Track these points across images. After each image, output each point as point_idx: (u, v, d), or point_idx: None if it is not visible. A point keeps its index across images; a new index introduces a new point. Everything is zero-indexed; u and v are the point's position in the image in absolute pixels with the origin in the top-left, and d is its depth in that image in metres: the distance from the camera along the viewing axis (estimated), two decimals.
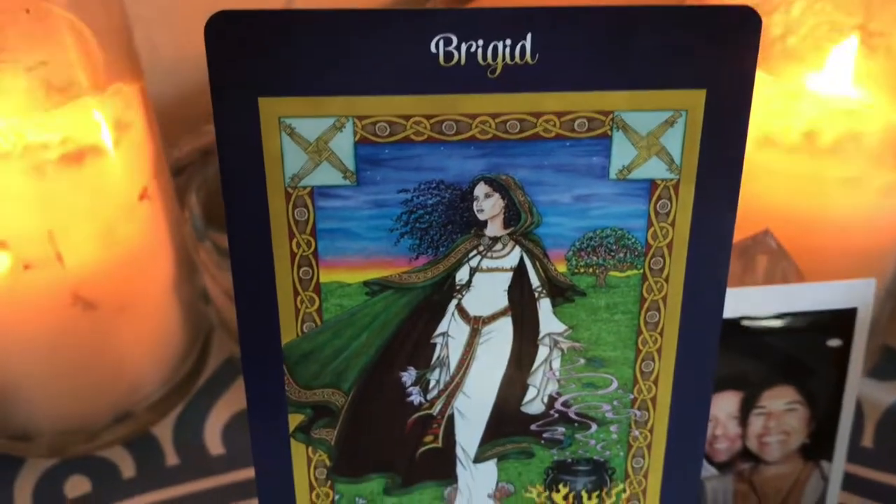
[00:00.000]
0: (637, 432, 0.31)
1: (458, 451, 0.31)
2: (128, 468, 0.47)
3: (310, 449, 0.31)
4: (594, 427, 0.31)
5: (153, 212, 0.44)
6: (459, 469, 0.31)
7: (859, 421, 0.48)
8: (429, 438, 0.31)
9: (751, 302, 0.37)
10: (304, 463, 0.31)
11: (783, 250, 0.38)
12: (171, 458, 0.47)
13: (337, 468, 0.31)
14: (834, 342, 0.38)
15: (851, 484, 0.45)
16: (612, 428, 0.31)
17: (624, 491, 0.32)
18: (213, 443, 0.48)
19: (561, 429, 0.31)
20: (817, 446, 0.41)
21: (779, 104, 0.40)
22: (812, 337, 0.38)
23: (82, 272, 0.42)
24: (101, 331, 0.44)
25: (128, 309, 0.44)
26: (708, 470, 0.41)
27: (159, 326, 0.47)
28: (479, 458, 0.31)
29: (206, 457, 0.47)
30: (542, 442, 0.31)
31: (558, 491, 0.32)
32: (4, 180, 0.38)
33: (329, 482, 0.31)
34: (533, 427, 0.31)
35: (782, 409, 0.40)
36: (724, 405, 0.39)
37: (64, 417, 0.46)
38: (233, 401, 0.50)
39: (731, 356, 0.38)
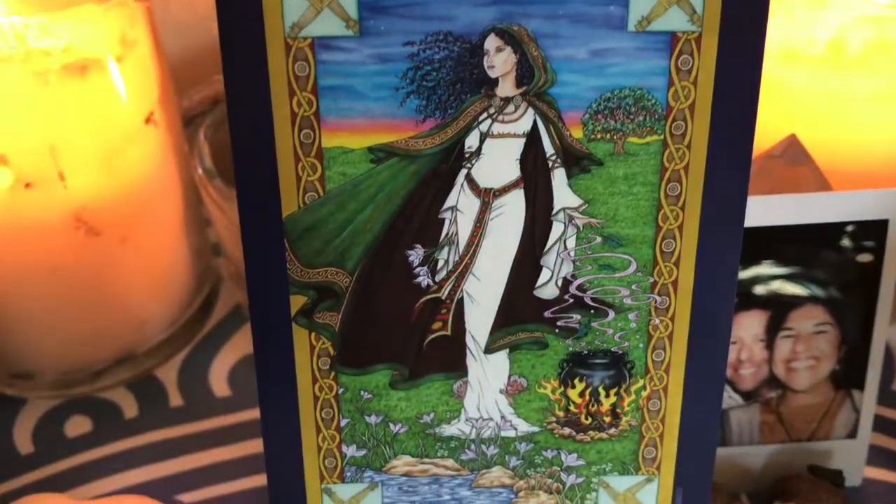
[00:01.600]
0: (657, 321, 0.29)
1: (468, 340, 0.30)
2: (130, 408, 0.45)
3: (313, 335, 0.29)
4: (611, 314, 0.29)
5: (160, 139, 0.43)
6: (470, 360, 0.30)
7: (890, 366, 0.46)
8: (437, 325, 0.29)
9: (775, 212, 0.35)
10: (307, 350, 0.29)
11: (809, 157, 0.36)
12: (175, 400, 0.46)
13: (341, 357, 0.30)
14: (864, 257, 0.36)
15: (884, 426, 0.43)
16: (631, 316, 0.29)
17: (644, 388, 0.30)
18: (219, 386, 0.46)
19: (576, 316, 0.29)
20: (848, 373, 0.38)
21: (802, 14, 0.38)
22: (841, 251, 0.36)
23: (85, 194, 0.40)
24: (105, 260, 0.42)
25: (132, 240, 0.43)
26: (733, 399, 0.39)
27: (164, 263, 0.46)
28: (489, 348, 0.30)
29: (211, 399, 0.46)
30: (557, 331, 0.29)
31: (574, 387, 0.30)
32: (6, 86, 0.37)
33: (333, 373, 0.30)
34: (546, 314, 0.29)
35: (811, 331, 0.38)
36: (750, 325, 0.37)
37: (66, 354, 0.44)
38: (240, 346, 0.48)
39: (755, 272, 0.36)
